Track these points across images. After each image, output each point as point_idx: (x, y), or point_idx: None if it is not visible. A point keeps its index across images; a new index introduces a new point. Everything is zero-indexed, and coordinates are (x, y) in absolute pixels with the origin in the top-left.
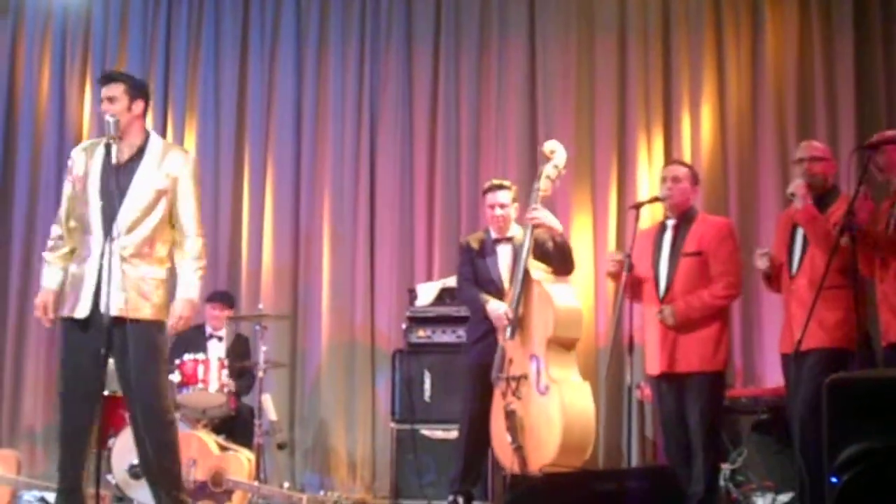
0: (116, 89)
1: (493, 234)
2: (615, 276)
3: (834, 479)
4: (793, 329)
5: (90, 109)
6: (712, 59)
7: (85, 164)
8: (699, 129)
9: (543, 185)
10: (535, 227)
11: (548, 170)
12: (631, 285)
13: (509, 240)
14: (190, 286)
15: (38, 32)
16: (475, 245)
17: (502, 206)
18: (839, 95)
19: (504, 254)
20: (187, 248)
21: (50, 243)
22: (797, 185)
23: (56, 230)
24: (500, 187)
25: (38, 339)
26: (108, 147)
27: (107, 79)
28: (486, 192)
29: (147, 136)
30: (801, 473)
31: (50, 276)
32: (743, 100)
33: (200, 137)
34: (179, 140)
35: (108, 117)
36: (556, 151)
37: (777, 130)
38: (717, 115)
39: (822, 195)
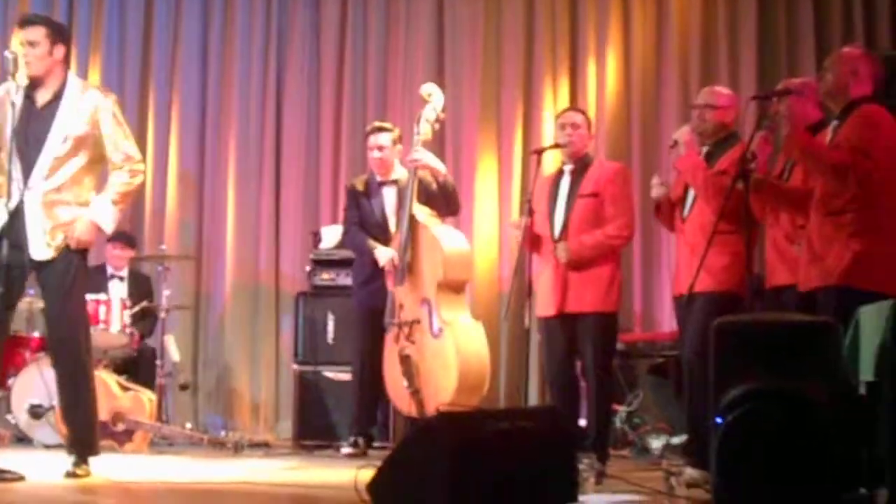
0: (37, 33)
1: (377, 177)
2: (523, 240)
3: (719, 420)
4: (681, 272)
5: None
6: (618, 7)
7: (3, 104)
8: (604, 76)
9: (423, 128)
10: (417, 168)
11: (427, 113)
12: (531, 240)
13: (394, 182)
14: (101, 212)
15: None
16: (360, 187)
17: (380, 147)
18: (741, 41)
19: (389, 196)
20: (111, 180)
21: None
22: (682, 132)
23: None
24: (380, 129)
25: None
26: (19, 89)
27: (27, 22)
28: (367, 134)
29: (65, 80)
30: (690, 415)
31: None
32: (647, 45)
33: (104, 76)
34: (82, 75)
35: (6, 53)
36: (432, 94)
37: (680, 76)
38: (621, 63)
39: (720, 141)
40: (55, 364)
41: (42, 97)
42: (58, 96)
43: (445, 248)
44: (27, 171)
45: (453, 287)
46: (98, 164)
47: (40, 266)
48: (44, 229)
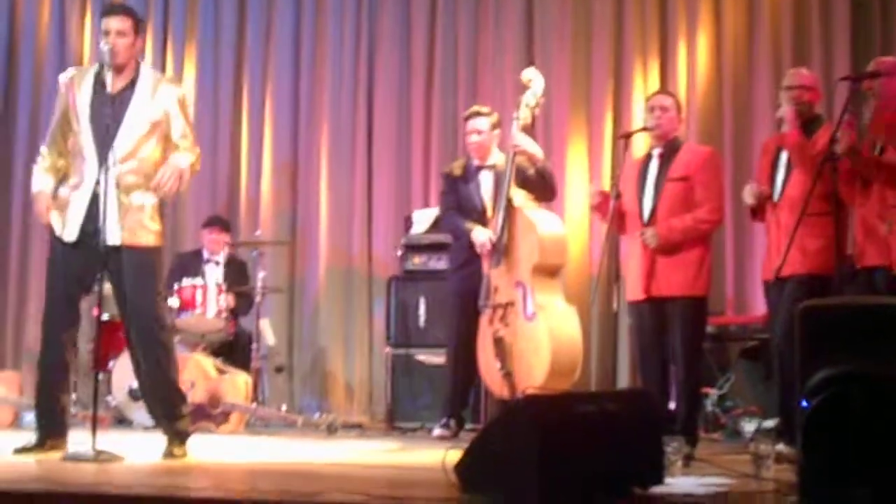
0: (125, 23)
1: (475, 161)
2: (598, 209)
3: (804, 404)
4: (772, 256)
5: (90, 40)
6: None
7: (73, 92)
8: (695, 58)
9: (523, 113)
10: (515, 154)
11: (526, 98)
12: (618, 215)
13: (491, 167)
14: (181, 159)
15: None
16: (458, 172)
17: (479, 132)
18: (834, 23)
19: (486, 180)
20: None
21: (38, 159)
22: (786, 110)
23: (43, 149)
24: (478, 114)
25: (40, 264)
26: (98, 76)
27: (118, 11)
28: (465, 118)
29: (138, 68)
30: (780, 399)
31: (43, 181)
32: (739, 28)
33: (199, 67)
34: (179, 68)
35: (103, 46)
36: (533, 80)
37: (772, 59)
38: (713, 44)
39: (807, 122)
40: (136, 345)
41: (117, 85)
42: (132, 84)
43: (541, 232)
44: (103, 155)
45: (548, 271)
46: (165, 151)
47: (115, 250)
48: (119, 213)
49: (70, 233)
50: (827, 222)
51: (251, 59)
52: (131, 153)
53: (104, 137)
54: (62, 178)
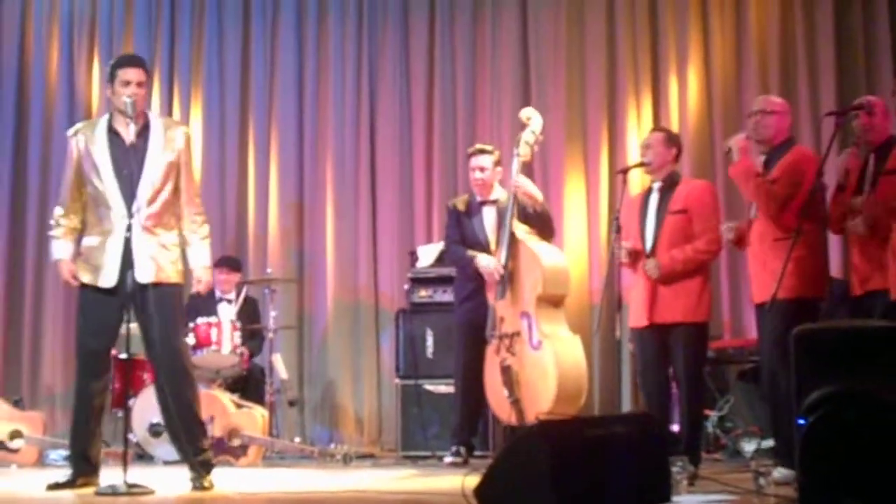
0: (142, 74)
1: (478, 197)
2: (631, 266)
3: (801, 421)
4: (752, 282)
5: (98, 86)
6: (697, 23)
7: (85, 144)
8: (686, 93)
9: (523, 150)
10: (516, 194)
11: (526, 136)
12: (633, 258)
13: (494, 202)
14: (201, 254)
15: (46, 10)
16: (461, 206)
17: (482, 169)
18: (820, 58)
19: (489, 215)
20: (192, 218)
21: (52, 223)
22: (736, 139)
23: (58, 210)
24: (482, 152)
25: (55, 308)
26: (109, 127)
27: (138, 63)
28: (469, 156)
29: (146, 116)
30: (772, 419)
31: (62, 248)
32: (728, 63)
33: (206, 108)
34: (185, 111)
35: (125, 98)
36: (531, 118)
37: (761, 92)
38: (702, 79)
39: (776, 147)
40: (164, 380)
41: (130, 133)
42: (145, 130)
43: (545, 263)
44: (129, 202)
45: (552, 301)
46: (179, 190)
47: (143, 288)
48: (149, 254)
49: (108, 279)
50: (798, 245)
51: (256, 100)
52: (153, 197)
53: (129, 186)
54: (81, 233)
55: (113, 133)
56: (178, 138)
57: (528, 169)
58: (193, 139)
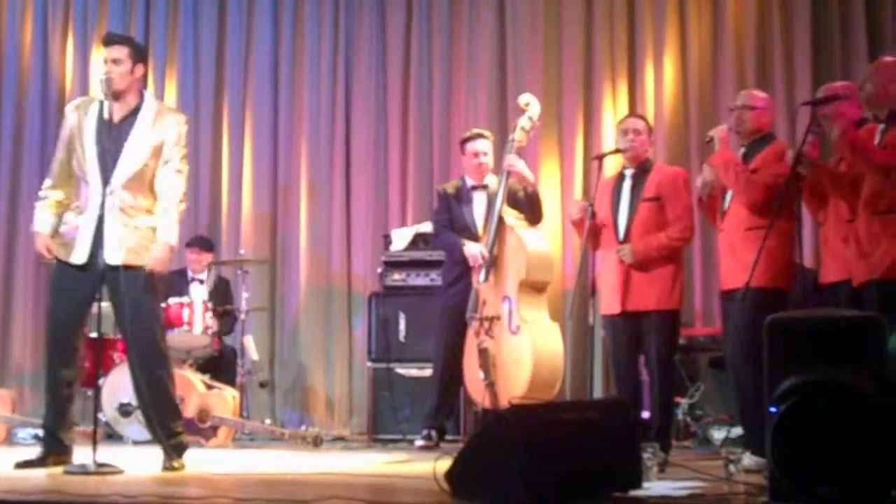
0: (121, 52)
1: (469, 182)
2: (577, 224)
3: (773, 409)
4: (721, 269)
5: (72, 64)
6: (674, 11)
7: (78, 120)
8: (662, 81)
9: (518, 135)
10: (509, 175)
11: (522, 121)
12: (593, 233)
13: (484, 187)
14: (167, 230)
15: None
16: (451, 191)
17: (484, 153)
18: (796, 46)
19: (479, 201)
20: (165, 189)
21: (41, 193)
22: (719, 130)
23: (47, 182)
24: (481, 136)
25: (24, 285)
26: (102, 104)
27: (112, 41)
28: (467, 140)
29: (142, 98)
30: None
31: (43, 221)
32: (704, 51)
33: (180, 88)
34: (160, 90)
35: (101, 76)
36: (530, 104)
37: (736, 81)
38: (678, 66)
39: (756, 141)
40: (137, 362)
41: (120, 112)
42: (135, 112)
43: (529, 249)
44: (106, 180)
45: (535, 287)
46: (157, 176)
47: (114, 269)
48: (120, 234)
49: (79, 256)
50: (770, 234)
51: (231, 81)
52: (133, 178)
53: (106, 163)
54: (67, 207)
55: (103, 111)
56: (169, 126)
57: (519, 155)
58: None
